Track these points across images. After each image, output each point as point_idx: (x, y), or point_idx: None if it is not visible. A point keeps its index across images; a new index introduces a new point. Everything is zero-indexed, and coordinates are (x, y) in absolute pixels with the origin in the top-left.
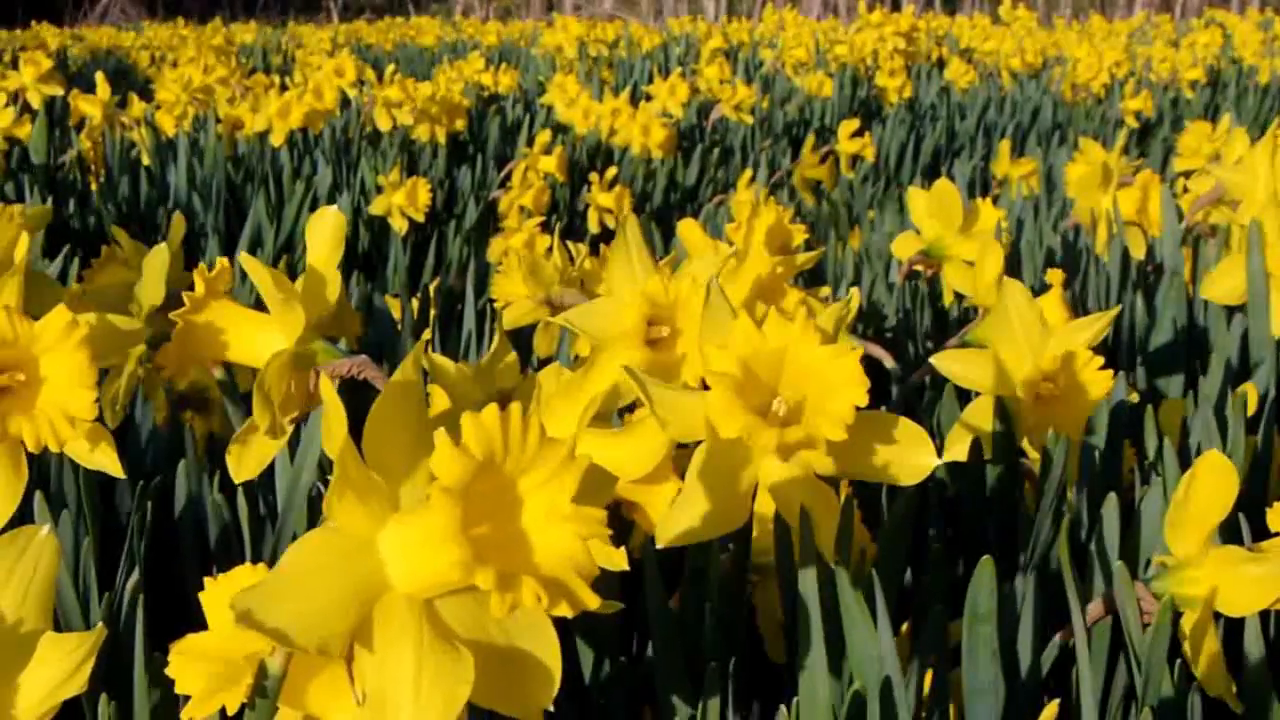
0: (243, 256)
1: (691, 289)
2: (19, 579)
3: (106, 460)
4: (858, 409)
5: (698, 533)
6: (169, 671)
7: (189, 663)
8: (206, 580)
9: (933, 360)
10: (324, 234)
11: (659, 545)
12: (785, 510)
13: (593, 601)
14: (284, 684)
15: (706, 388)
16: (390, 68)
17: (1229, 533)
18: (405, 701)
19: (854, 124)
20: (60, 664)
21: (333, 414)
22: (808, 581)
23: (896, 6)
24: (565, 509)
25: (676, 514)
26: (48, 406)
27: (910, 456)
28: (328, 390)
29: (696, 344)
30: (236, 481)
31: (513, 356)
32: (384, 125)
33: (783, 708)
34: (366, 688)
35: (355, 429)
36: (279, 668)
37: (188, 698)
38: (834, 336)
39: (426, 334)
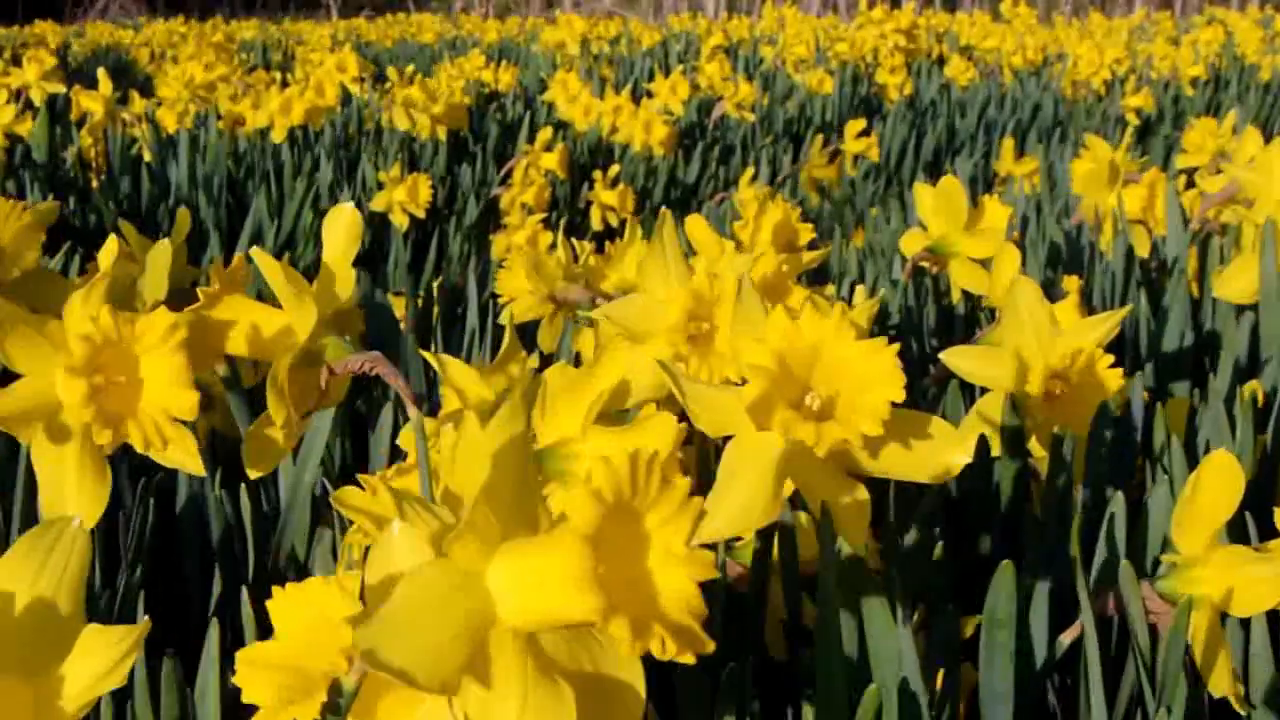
0: (255, 251)
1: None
2: (52, 570)
3: (188, 459)
4: (892, 405)
5: (731, 530)
6: (236, 680)
7: (257, 672)
8: (275, 589)
9: (942, 356)
10: (340, 231)
11: (695, 543)
12: (815, 507)
13: (709, 645)
14: (356, 699)
15: (735, 383)
16: (409, 68)
17: (1236, 532)
18: None
19: (860, 124)
20: (103, 656)
21: (474, 462)
22: (827, 582)
23: (896, 4)
24: (680, 551)
25: (710, 511)
26: (151, 408)
27: (943, 455)
28: (471, 431)
29: (730, 339)
30: (251, 477)
31: (523, 355)
32: (403, 125)
33: (805, 706)
34: (469, 717)
35: (359, 425)
36: (354, 685)
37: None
38: (868, 332)
39: (433, 359)
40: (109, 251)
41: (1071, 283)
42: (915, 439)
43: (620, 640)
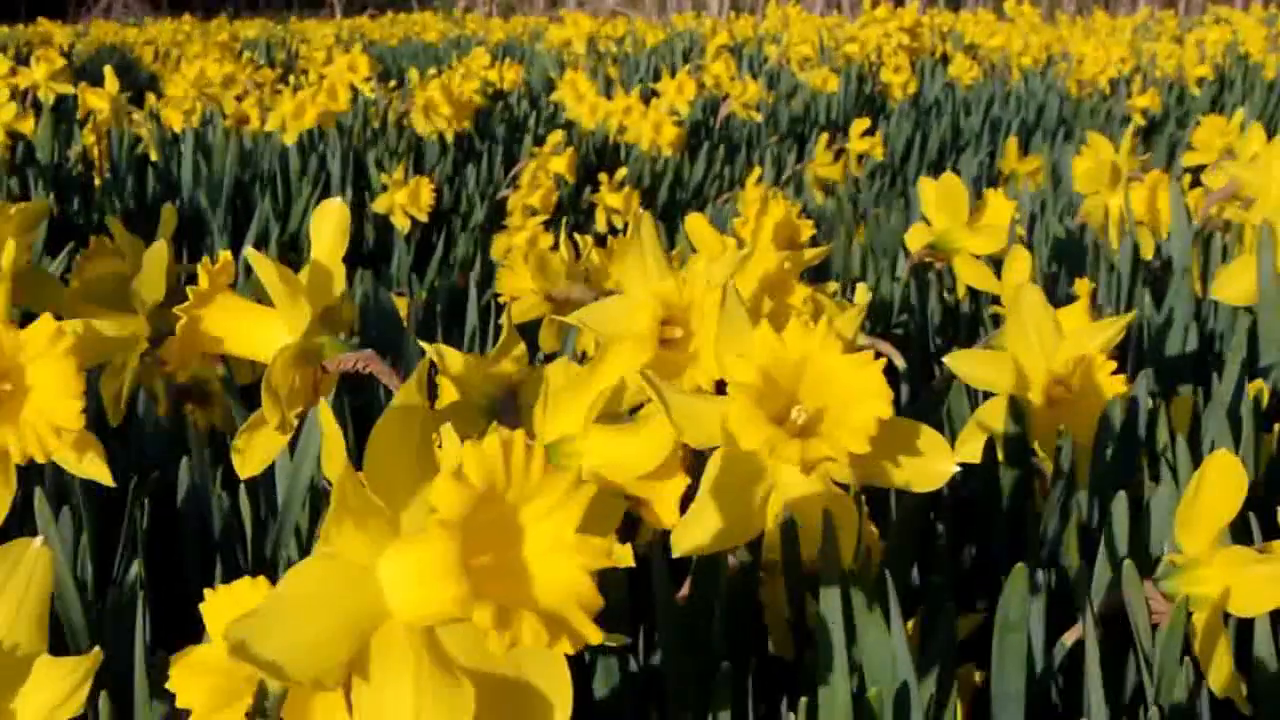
0: (248, 251)
1: (705, 291)
2: (11, 596)
3: (95, 469)
4: (880, 420)
5: (712, 544)
6: (170, 685)
7: (190, 676)
8: (207, 592)
9: (946, 360)
10: (328, 227)
11: (675, 555)
12: (803, 519)
13: (595, 636)
14: (286, 701)
15: (719, 391)
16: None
17: (1240, 532)
18: None
19: (865, 123)
20: (56, 687)
21: (331, 438)
22: (829, 594)
23: (900, 2)
24: (569, 539)
25: (692, 524)
26: (34, 417)
27: (931, 464)
28: (326, 415)
29: (709, 346)
30: (242, 477)
31: (521, 348)
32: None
33: (790, 716)
34: (364, 718)
35: (361, 425)
36: (279, 686)
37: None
38: (854, 344)
39: (433, 350)
40: (8, 252)
41: (1083, 286)
42: (903, 450)
43: (484, 629)
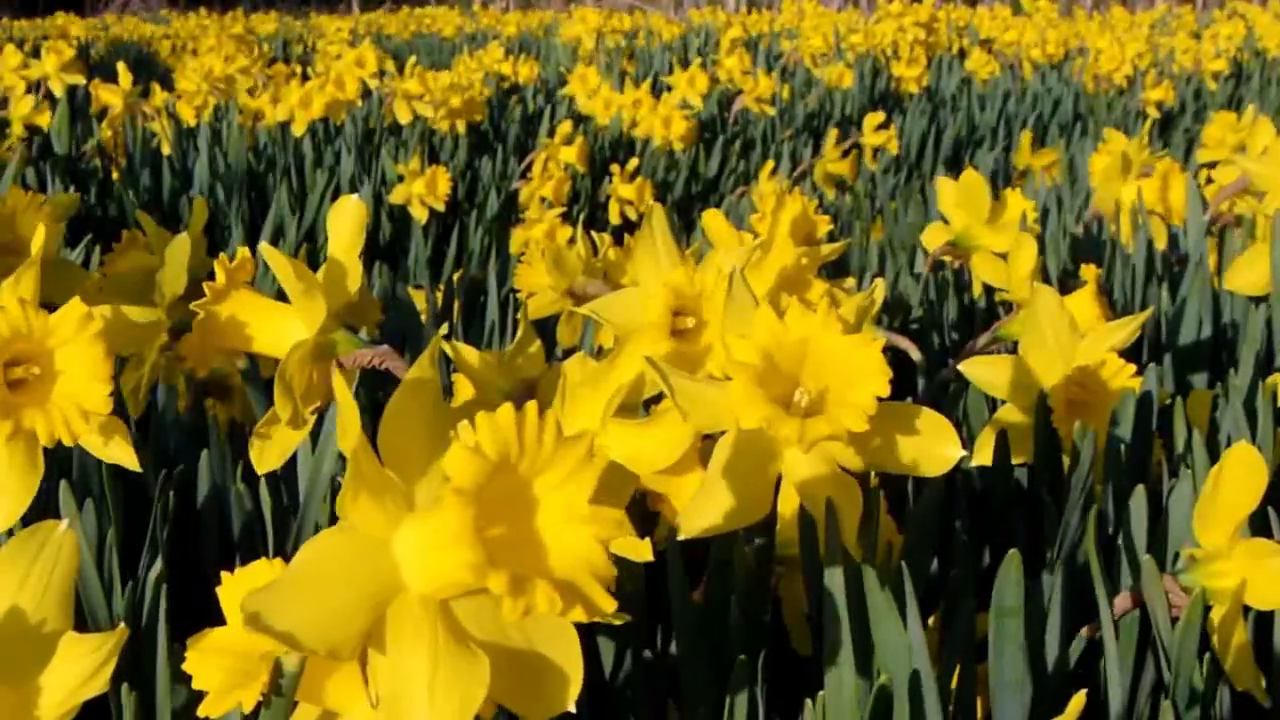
0: (263, 246)
1: (717, 280)
2: (38, 576)
3: (122, 454)
4: (880, 400)
5: (721, 525)
6: (186, 667)
7: (207, 658)
8: (224, 575)
9: (960, 367)
10: (345, 223)
11: (681, 537)
12: (809, 502)
13: (609, 606)
14: (302, 680)
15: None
16: (411, 60)
17: (1258, 526)
18: (420, 704)
19: (879, 116)
20: (82, 663)
21: (346, 411)
22: (833, 576)
23: None
24: (583, 510)
25: (699, 506)
26: (62, 400)
27: (935, 448)
28: (340, 388)
29: (722, 335)
30: (259, 473)
31: (538, 345)
32: (404, 118)
33: (808, 702)
34: (380, 690)
35: (379, 419)
36: (295, 665)
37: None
38: (857, 326)
39: (444, 329)
40: (39, 237)
41: (1089, 271)
42: (907, 433)
43: (499, 596)
